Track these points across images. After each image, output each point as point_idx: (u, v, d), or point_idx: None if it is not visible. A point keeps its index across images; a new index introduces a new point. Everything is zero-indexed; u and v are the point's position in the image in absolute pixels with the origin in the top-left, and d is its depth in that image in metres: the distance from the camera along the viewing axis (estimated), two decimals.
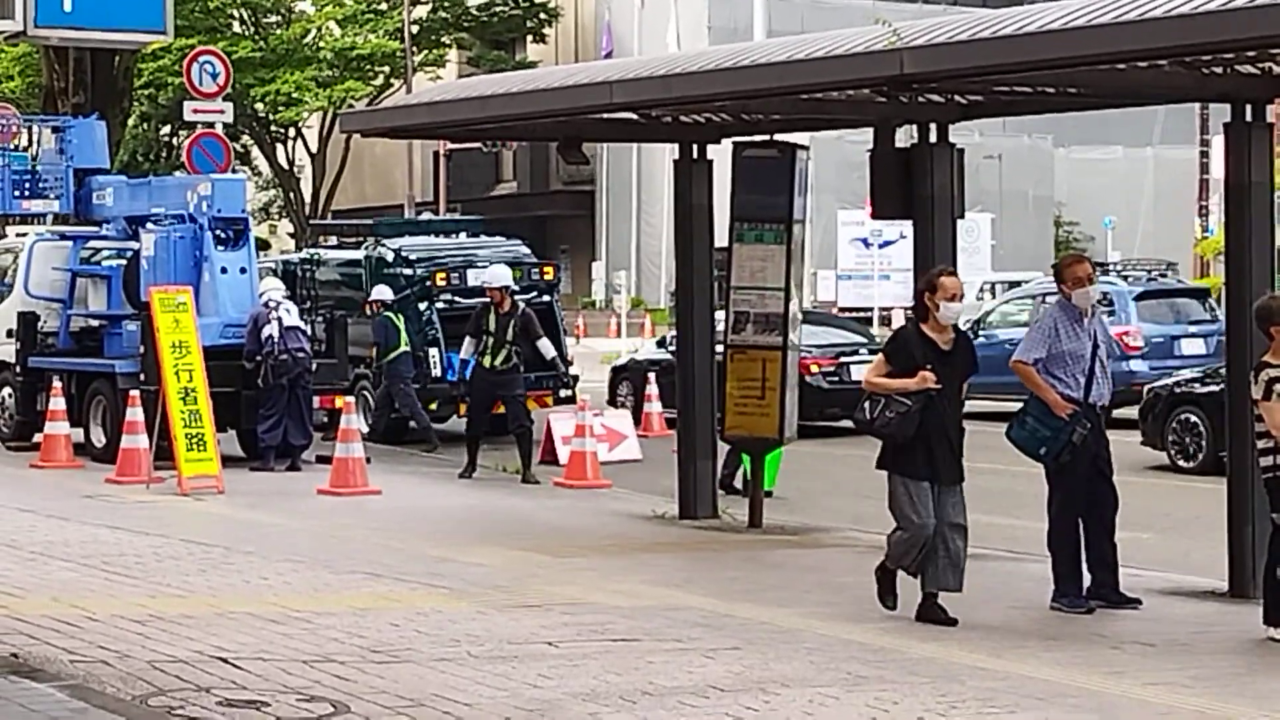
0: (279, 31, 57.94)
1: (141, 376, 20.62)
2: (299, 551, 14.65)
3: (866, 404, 11.45)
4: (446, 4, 59.30)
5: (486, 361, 20.26)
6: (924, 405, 11.29)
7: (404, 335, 24.19)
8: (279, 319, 20.83)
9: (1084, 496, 12.05)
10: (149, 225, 22.25)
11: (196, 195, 22.07)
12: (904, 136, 15.16)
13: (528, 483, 19.95)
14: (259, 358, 20.78)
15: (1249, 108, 12.69)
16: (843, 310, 54.08)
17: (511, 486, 19.88)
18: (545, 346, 20.76)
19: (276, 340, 20.75)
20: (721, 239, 16.58)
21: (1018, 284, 56.55)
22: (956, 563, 11.44)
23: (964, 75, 12.68)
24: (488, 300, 20.62)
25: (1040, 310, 23.71)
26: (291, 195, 60.73)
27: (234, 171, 31.12)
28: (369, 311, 24.41)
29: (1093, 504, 12.09)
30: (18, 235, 25.42)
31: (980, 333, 26.86)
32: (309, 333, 21.65)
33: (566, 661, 10.17)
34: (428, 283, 25.17)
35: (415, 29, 57.08)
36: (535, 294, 25.85)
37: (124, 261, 22.84)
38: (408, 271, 25.27)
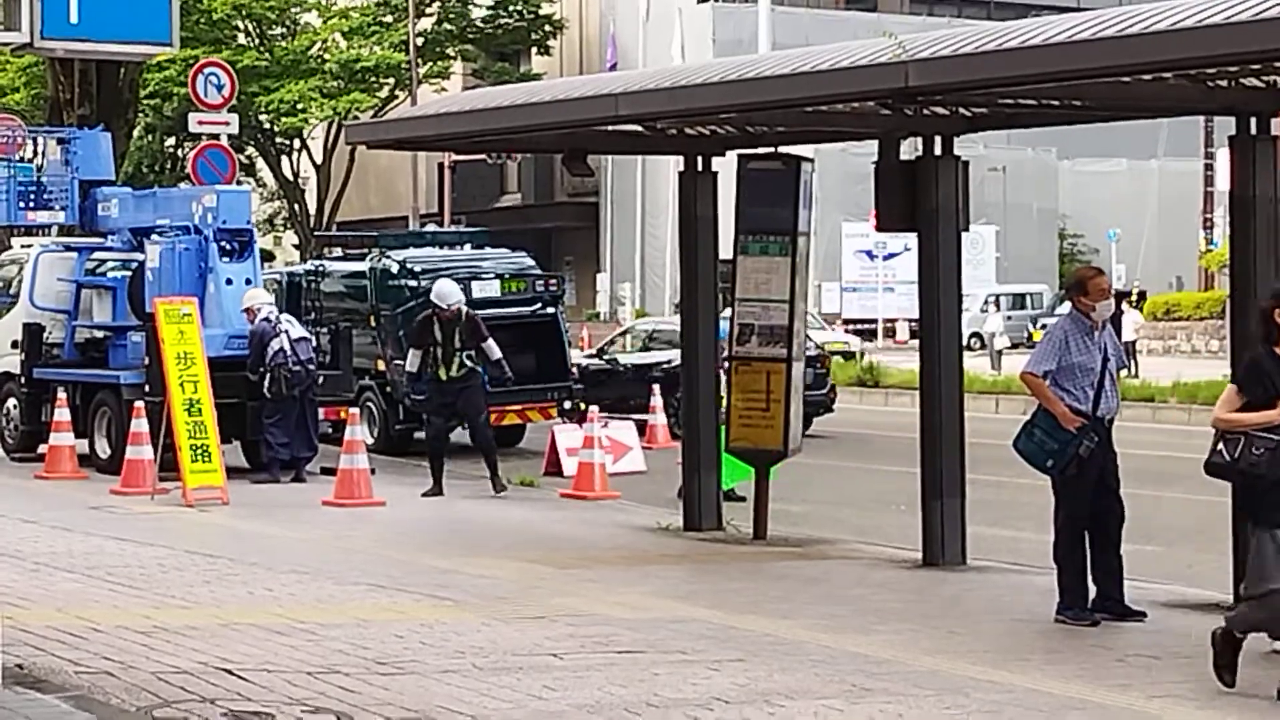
0: (284, 43, 58.02)
1: (146, 388, 20.63)
2: (304, 563, 14.65)
3: (1222, 445, 10.04)
4: (451, 16, 59.39)
5: (442, 374, 19.82)
6: None
7: None
8: (286, 332, 20.84)
9: (1090, 509, 12.04)
10: (154, 237, 22.26)
11: (201, 207, 22.08)
12: (909, 149, 15.16)
13: (500, 491, 19.68)
14: (262, 369, 20.76)
15: (1254, 120, 12.69)
16: (846, 322, 54.28)
17: (515, 498, 19.88)
18: (490, 348, 20.19)
19: (288, 353, 20.73)
20: (726, 251, 16.59)
21: (1022, 297, 56.84)
22: None
23: (969, 88, 12.68)
24: (428, 312, 20.16)
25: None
26: (296, 207, 60.81)
27: (239, 183, 31.14)
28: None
29: (1099, 517, 12.08)
30: (23, 246, 25.44)
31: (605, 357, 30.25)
32: (316, 343, 21.67)
33: (571, 673, 10.17)
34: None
35: (420, 41, 57.14)
36: (540, 306, 25.89)
37: (129, 273, 22.84)
38: (412, 283, 25.25)
